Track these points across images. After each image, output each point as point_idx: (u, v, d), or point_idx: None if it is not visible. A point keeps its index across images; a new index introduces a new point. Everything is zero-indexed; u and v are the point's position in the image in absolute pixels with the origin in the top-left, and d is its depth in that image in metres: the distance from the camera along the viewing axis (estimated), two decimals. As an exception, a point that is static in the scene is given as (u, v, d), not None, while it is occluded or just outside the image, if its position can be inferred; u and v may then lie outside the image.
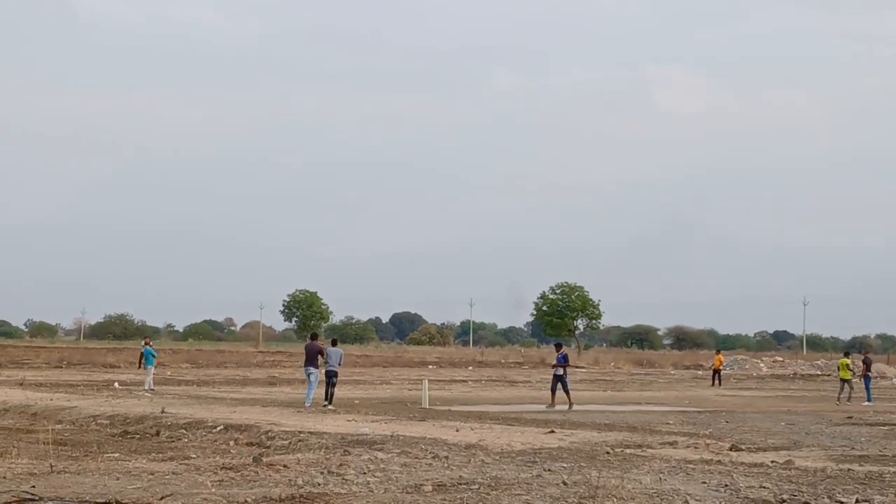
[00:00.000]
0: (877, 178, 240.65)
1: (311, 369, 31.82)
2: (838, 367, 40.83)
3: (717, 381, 55.46)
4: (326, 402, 31.30)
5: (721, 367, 57.99)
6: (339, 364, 32.65)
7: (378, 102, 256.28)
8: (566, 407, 32.53)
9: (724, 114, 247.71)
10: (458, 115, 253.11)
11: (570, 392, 33.94)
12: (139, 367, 43.70)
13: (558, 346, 36.29)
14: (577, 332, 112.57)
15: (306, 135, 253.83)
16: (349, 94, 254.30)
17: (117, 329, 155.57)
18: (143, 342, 46.53)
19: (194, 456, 17.74)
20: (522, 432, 23.24)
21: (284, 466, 14.94)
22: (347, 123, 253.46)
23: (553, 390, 33.66)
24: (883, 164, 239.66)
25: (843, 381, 39.33)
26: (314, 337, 33.88)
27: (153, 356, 41.06)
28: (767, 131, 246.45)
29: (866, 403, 38.21)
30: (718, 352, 65.57)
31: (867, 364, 41.08)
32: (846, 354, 41.73)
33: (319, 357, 32.05)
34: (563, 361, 34.13)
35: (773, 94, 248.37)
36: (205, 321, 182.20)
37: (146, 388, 38.92)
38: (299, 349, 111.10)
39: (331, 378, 32.03)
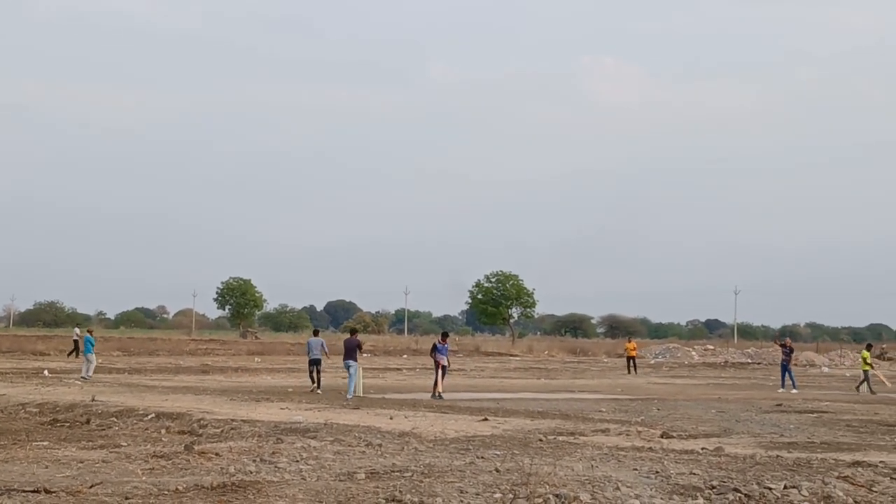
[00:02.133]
0: (811, 174, 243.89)
1: (351, 363, 32.51)
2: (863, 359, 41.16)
3: (632, 369, 55.97)
4: (315, 387, 33.62)
5: (634, 354, 58.40)
6: (323, 351, 34.72)
7: (315, 92, 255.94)
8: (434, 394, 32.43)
9: (659, 106, 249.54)
10: (394, 107, 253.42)
11: (440, 381, 33.22)
12: (75, 355, 43.59)
13: (445, 336, 36.08)
14: (511, 320, 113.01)
15: (243, 122, 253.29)
16: (287, 82, 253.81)
17: (47, 316, 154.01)
18: (80, 330, 46.50)
19: (125, 444, 17.58)
20: (456, 420, 23.26)
21: (216, 454, 14.87)
22: (284, 112, 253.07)
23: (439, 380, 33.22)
24: (816, 161, 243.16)
25: (864, 371, 39.70)
26: (353, 332, 34.83)
27: (92, 344, 40.97)
28: (703, 124, 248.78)
29: (794, 391, 38.64)
30: (630, 339, 66.09)
31: (788, 352, 41.39)
32: (869, 347, 42.16)
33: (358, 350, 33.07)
34: (445, 352, 33.96)
35: (709, 86, 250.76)
36: (137, 309, 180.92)
37: (84, 374, 38.87)
38: (233, 337, 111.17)
39: (315, 366, 34.19)
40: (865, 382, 39.19)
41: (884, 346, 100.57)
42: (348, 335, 34.22)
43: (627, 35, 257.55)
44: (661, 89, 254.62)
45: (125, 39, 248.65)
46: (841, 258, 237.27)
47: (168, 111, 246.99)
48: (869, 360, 40.04)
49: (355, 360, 32.55)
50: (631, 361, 56.93)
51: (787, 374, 40.60)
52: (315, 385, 33.77)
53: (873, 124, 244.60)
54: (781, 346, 42.63)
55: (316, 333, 37.10)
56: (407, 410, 25.83)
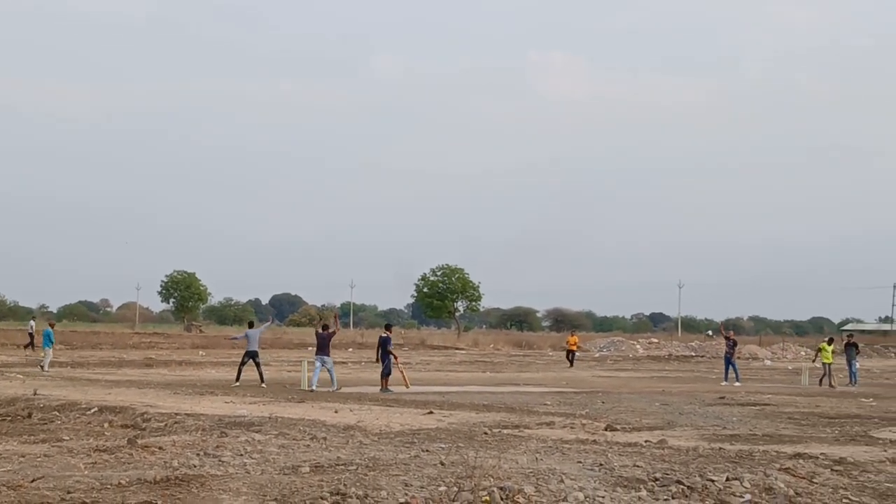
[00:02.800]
0: (755, 173, 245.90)
1: (325, 357, 32.86)
2: (819, 350, 41.29)
3: (571, 362, 56.27)
4: (261, 383, 33.17)
5: (575, 348, 58.68)
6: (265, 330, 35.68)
7: (263, 84, 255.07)
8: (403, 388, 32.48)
9: (607, 102, 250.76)
10: (341, 99, 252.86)
11: (398, 374, 33.57)
12: (31, 348, 43.55)
13: (388, 327, 36.05)
14: (457, 313, 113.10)
15: (189, 114, 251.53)
16: (234, 74, 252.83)
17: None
18: (34, 323, 46.47)
19: (67, 438, 17.42)
20: (401, 413, 23.28)
21: (160, 448, 14.77)
22: (231, 104, 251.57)
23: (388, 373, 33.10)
24: (761, 160, 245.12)
25: (826, 364, 39.78)
26: (325, 327, 34.75)
27: (51, 339, 41.14)
28: (651, 120, 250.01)
29: (737, 384, 38.93)
30: (573, 332, 66.41)
31: (732, 345, 41.64)
32: (831, 341, 42.19)
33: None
34: (389, 344, 33.91)
35: (657, 82, 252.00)
36: (79, 302, 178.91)
37: (43, 368, 39.43)
38: (177, 331, 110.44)
39: (254, 358, 33.71)
40: (827, 376, 39.44)
41: (825, 339, 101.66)
42: (321, 330, 34.31)
43: (575, 30, 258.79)
44: (609, 85, 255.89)
45: (69, 28, 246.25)
46: (783, 253, 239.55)
47: (113, 101, 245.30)
48: (829, 354, 40.15)
49: (328, 354, 32.89)
50: (571, 355, 57.22)
51: (730, 367, 40.89)
52: (260, 380, 33.37)
53: (819, 124, 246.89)
54: (726, 338, 42.89)
55: (251, 325, 37.08)
56: (352, 404, 25.82)
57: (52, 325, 43.58)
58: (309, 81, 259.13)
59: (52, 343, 41.89)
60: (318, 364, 32.65)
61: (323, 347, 32.91)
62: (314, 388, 31.55)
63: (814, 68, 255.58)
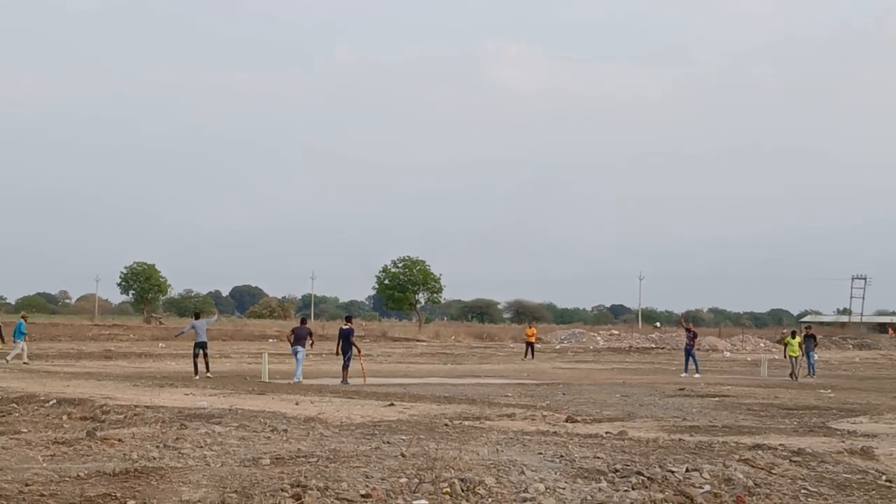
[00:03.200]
0: (714, 165, 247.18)
1: (299, 349, 33.28)
2: (786, 345, 41.23)
3: (530, 354, 56.40)
4: (206, 372, 33.60)
5: (534, 340, 58.82)
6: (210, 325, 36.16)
7: (220, 73, 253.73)
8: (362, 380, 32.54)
9: (564, 93, 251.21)
10: (299, 89, 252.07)
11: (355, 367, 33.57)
12: (1, 341, 43.31)
13: (348, 319, 36.05)
14: (418, 305, 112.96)
15: (147, 102, 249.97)
16: (192, 63, 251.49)
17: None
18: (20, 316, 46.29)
19: (25, 430, 17.28)
20: (362, 405, 23.26)
21: (119, 441, 14.69)
22: (190, 93, 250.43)
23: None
24: (717, 153, 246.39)
25: (792, 357, 39.64)
26: (304, 321, 35.60)
27: (23, 332, 41.04)
28: (608, 112, 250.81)
29: (696, 375, 39.11)
30: (531, 324, 66.56)
31: (692, 336, 41.78)
32: (794, 334, 42.02)
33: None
34: (352, 335, 33.94)
35: (614, 73, 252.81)
36: (38, 294, 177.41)
37: (22, 361, 39.85)
38: (137, 322, 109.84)
39: (203, 348, 34.06)
40: (794, 369, 39.41)
41: (784, 330, 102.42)
42: (298, 324, 34.84)
43: (532, 20, 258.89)
44: (566, 76, 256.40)
45: (17, 13, 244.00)
46: (743, 246, 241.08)
47: (71, 88, 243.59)
48: (796, 347, 40.04)
49: (304, 346, 33.27)
50: (530, 347, 57.36)
51: (690, 359, 41.08)
52: (204, 371, 33.67)
53: (773, 117, 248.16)
54: (686, 330, 43.05)
55: (197, 316, 36.89)
56: (313, 396, 25.77)
57: (24, 318, 43.34)
58: (267, 70, 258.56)
59: (25, 335, 41.64)
60: (297, 355, 33.12)
61: (301, 339, 33.33)
62: (298, 378, 32.15)
63: (771, 61, 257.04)
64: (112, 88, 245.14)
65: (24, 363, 39.52)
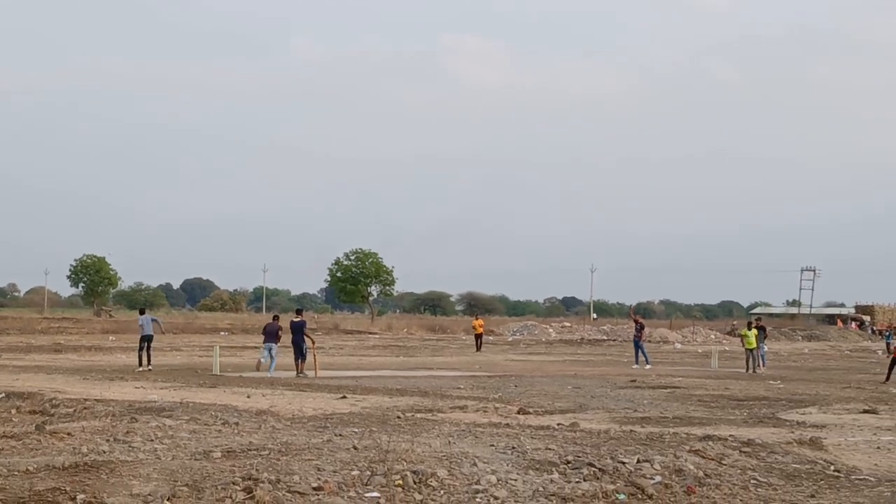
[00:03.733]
0: (667, 163, 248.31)
1: (272, 345, 33.43)
2: (742, 336, 41.23)
3: (478, 345, 56.46)
4: (147, 366, 33.59)
5: (482, 332, 58.88)
6: (158, 327, 36.43)
7: (176, 65, 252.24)
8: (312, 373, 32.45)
9: (521, 88, 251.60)
10: (255, 82, 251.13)
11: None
12: None
13: (299, 312, 35.94)
14: (370, 298, 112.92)
15: (102, 93, 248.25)
16: (147, 54, 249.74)
17: None
18: None
19: (-27, 425, 17.13)
20: (314, 398, 23.23)
21: (69, 434, 14.57)
22: (144, 84, 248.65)
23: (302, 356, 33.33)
24: (671, 151, 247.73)
25: (749, 349, 39.44)
26: (276, 318, 35.37)
27: None
28: (564, 108, 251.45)
29: (647, 367, 39.28)
30: (477, 316, 66.63)
31: (640, 328, 41.90)
32: (750, 325, 41.88)
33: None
34: (305, 327, 34.00)
35: (571, 68, 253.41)
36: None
37: None
38: (87, 315, 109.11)
39: (148, 342, 34.39)
40: (750, 361, 39.33)
41: (734, 322, 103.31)
42: (272, 320, 34.78)
43: (491, 14, 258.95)
44: (523, 71, 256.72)
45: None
46: (694, 238, 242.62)
47: (25, 78, 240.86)
48: (752, 339, 39.95)
49: (276, 343, 33.42)
50: (478, 339, 57.41)
51: (639, 351, 41.20)
52: (146, 364, 33.73)
53: (729, 115, 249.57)
54: (634, 322, 43.21)
55: (142, 312, 37.56)
56: (265, 389, 25.71)
57: None
58: (222, 61, 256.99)
59: None
60: (270, 352, 33.27)
61: (270, 336, 33.56)
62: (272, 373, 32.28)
63: (728, 59, 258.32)
64: (65, 79, 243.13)
65: None
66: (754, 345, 39.35)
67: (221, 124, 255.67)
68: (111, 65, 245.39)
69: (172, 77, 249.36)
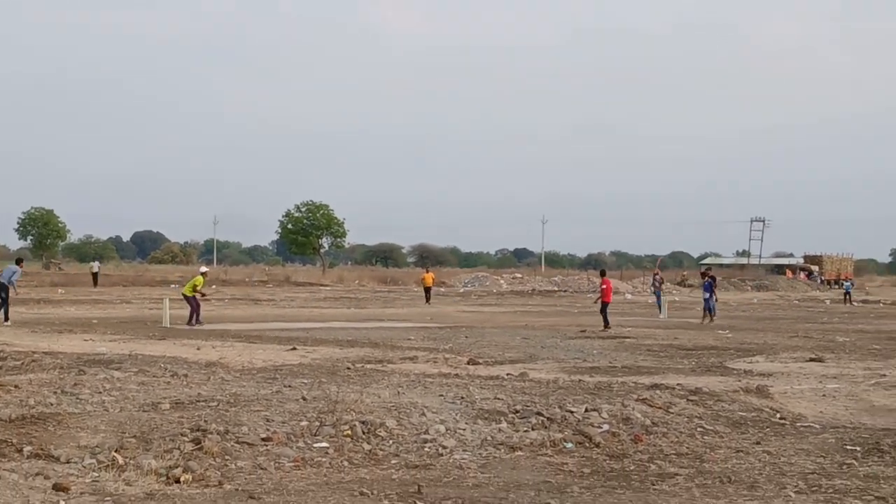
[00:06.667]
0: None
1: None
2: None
3: (427, 298, 56.69)
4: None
5: (431, 284, 59.11)
6: (10, 281, 33.62)
7: (123, 18, 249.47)
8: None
9: (445, 36, 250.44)
10: (178, 32, 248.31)
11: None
12: None
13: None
14: (322, 250, 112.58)
15: (43, 44, 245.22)
16: (77, 6, 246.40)
17: None
18: None
19: (-82, 379, 16.98)
20: (264, 350, 23.22)
21: (15, 387, 14.45)
22: (79, 37, 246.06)
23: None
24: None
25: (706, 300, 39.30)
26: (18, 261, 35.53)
27: None
28: (497, 55, 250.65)
29: (661, 317, 40.04)
30: (428, 269, 66.83)
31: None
32: (703, 275, 41.95)
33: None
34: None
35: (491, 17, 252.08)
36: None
37: None
38: (35, 268, 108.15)
39: (4, 293, 32.98)
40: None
41: (684, 272, 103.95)
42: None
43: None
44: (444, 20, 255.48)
45: None
46: (644, 191, 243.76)
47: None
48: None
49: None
50: (427, 291, 57.58)
51: (659, 301, 43.34)
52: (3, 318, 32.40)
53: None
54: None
55: (19, 262, 36.52)
56: (214, 341, 25.66)
57: None
58: (157, 13, 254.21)
59: None
60: None
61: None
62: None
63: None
64: (7, 30, 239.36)
65: None
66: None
67: (167, 83, 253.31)
68: (50, 17, 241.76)
69: (120, 30, 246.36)
